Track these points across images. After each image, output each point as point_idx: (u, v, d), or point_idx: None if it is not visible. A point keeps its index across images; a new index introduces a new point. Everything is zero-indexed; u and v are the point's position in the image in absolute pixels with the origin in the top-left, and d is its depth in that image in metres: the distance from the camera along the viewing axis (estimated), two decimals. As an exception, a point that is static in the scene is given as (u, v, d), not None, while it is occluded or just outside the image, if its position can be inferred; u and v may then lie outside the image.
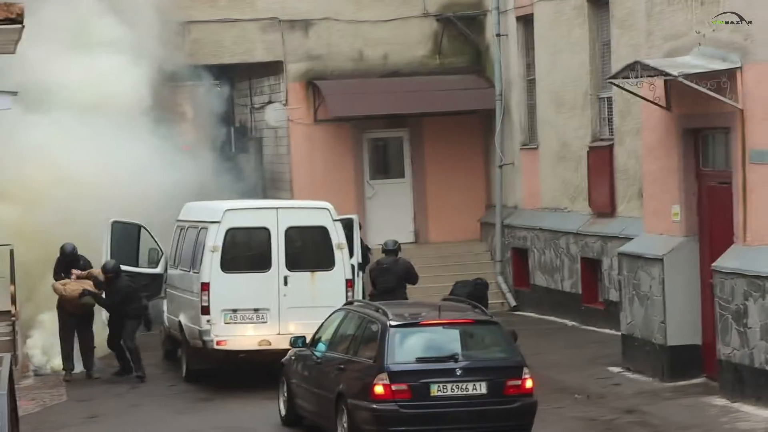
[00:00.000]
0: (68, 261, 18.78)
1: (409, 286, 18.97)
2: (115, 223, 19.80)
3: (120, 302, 18.25)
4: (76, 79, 21.14)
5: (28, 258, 19.43)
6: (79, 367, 18.53)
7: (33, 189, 20.25)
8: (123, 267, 18.85)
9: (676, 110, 16.34)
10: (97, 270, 18.66)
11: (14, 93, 17.12)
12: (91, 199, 20.14)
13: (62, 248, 18.83)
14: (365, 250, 20.52)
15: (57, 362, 18.86)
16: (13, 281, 18.51)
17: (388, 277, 18.62)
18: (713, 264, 15.47)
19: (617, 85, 16.83)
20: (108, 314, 18.61)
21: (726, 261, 15.21)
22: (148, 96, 22.02)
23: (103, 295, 18.35)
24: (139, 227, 20.17)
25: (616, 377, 16.97)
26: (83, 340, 18.47)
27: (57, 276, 18.78)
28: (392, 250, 19.10)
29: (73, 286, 18.35)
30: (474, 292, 17.75)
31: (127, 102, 21.45)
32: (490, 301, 18.62)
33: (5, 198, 20.25)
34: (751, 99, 14.88)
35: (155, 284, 19.44)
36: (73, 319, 18.39)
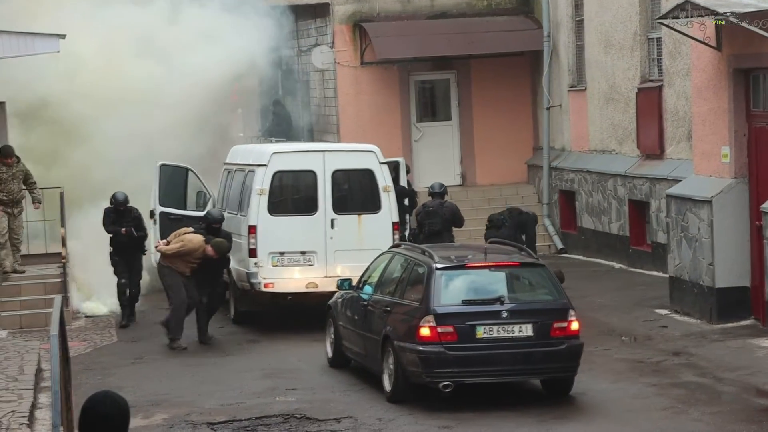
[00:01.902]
0: (120, 211, 17.88)
1: (455, 229, 18.96)
2: (163, 166, 19.88)
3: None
4: None
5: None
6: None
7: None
8: (170, 210, 18.93)
9: (726, 50, 16.12)
10: (185, 230, 16.87)
11: (62, 36, 17.21)
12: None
13: (114, 196, 18.00)
14: (411, 193, 20.50)
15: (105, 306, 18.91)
16: (63, 224, 18.57)
17: (434, 220, 18.62)
18: (762, 206, 15.32)
19: (667, 26, 16.61)
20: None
21: (776, 203, 15.07)
22: None
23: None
24: (186, 170, 20.25)
25: (663, 319, 16.91)
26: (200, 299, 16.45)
27: (108, 228, 17.92)
28: (439, 192, 19.07)
29: (192, 237, 16.27)
30: (519, 223, 17.63)
31: None
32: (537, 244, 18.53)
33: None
34: (803, 38, 14.66)
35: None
36: (178, 278, 16.25)
